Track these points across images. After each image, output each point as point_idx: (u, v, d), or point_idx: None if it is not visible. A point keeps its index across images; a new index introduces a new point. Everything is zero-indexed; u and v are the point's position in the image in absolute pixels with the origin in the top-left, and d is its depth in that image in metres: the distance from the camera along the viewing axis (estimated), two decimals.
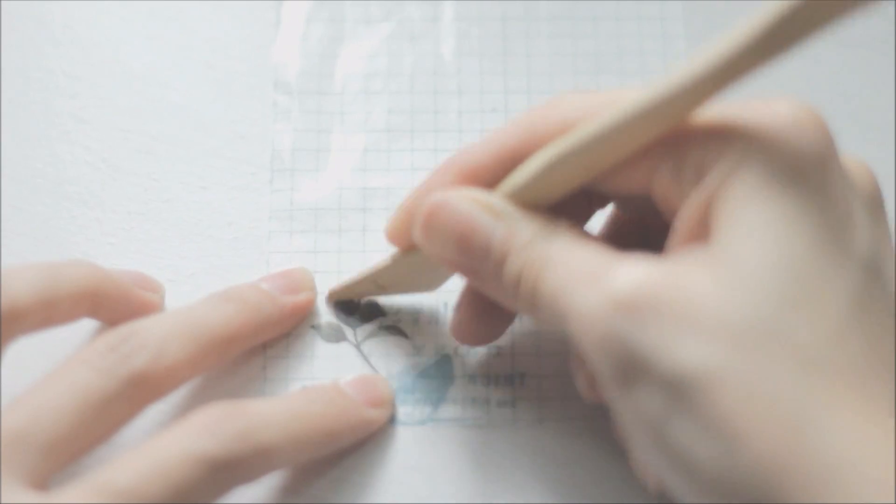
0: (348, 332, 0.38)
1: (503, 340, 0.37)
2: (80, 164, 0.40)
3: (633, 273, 0.27)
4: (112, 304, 0.35)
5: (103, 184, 0.40)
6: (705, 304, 0.26)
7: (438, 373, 0.37)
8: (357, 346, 0.37)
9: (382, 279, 0.36)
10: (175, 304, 0.37)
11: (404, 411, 0.36)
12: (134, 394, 0.31)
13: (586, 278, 0.27)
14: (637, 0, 0.44)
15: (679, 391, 0.25)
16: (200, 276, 0.38)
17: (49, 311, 0.32)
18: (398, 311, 0.38)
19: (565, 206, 0.31)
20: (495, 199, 0.31)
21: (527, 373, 0.37)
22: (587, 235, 0.29)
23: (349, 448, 0.35)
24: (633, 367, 0.26)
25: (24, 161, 0.40)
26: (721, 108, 0.28)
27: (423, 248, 0.32)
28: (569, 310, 0.28)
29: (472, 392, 0.36)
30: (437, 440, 0.36)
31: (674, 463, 0.26)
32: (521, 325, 0.37)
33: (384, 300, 0.38)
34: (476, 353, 0.37)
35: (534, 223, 0.30)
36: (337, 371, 0.37)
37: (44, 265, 0.33)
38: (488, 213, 0.30)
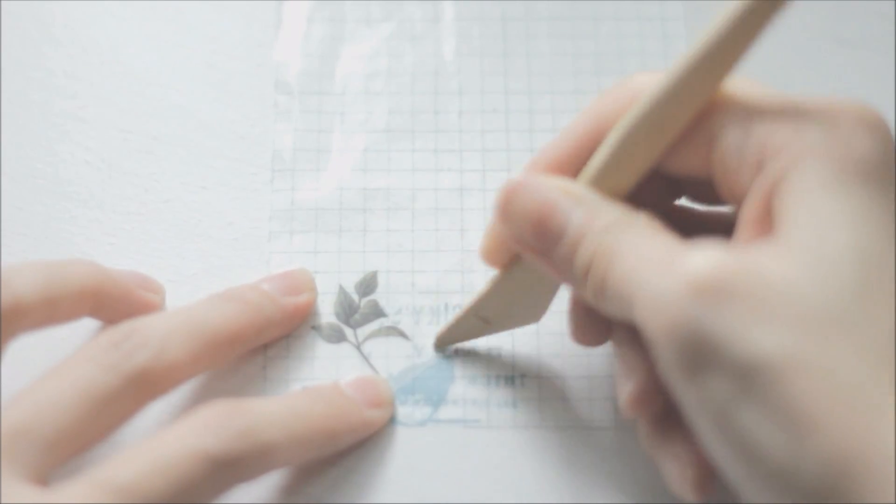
0: (349, 332, 0.38)
1: (503, 341, 0.37)
2: (80, 164, 0.40)
3: (709, 258, 0.26)
4: (113, 304, 0.35)
5: (103, 184, 0.40)
6: (781, 290, 0.26)
7: (439, 374, 0.37)
8: (357, 347, 0.37)
9: (485, 310, 0.35)
10: (175, 304, 0.37)
11: (404, 412, 0.36)
12: (136, 390, 0.31)
13: (659, 264, 0.27)
14: (637, 0, 0.44)
15: (752, 377, 0.25)
16: (201, 277, 0.38)
17: (51, 309, 0.32)
18: (399, 311, 0.38)
19: (642, 200, 0.31)
20: (577, 185, 0.31)
21: (527, 374, 0.37)
22: (664, 227, 0.29)
23: (349, 448, 0.35)
24: (705, 352, 0.26)
25: (24, 161, 0.40)
26: (786, 99, 0.29)
27: (499, 227, 0.32)
28: (638, 295, 0.27)
29: (473, 393, 0.36)
30: (436, 441, 0.36)
31: (740, 452, 0.26)
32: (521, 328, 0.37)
33: (385, 300, 0.38)
34: (476, 354, 0.37)
35: (614, 210, 0.30)
36: (337, 371, 0.37)
37: (46, 263, 0.33)
38: (568, 196, 0.30)
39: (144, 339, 0.32)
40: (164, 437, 0.30)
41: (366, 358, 0.37)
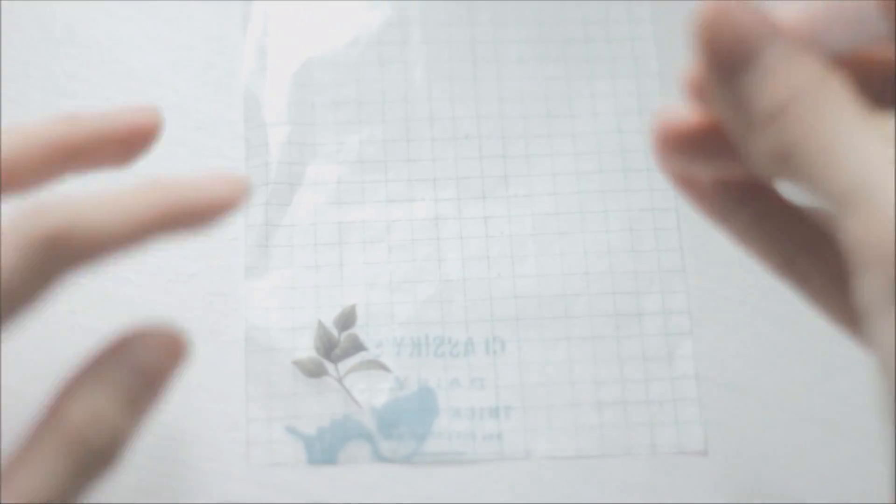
0: (330, 367, 0.37)
1: (486, 373, 0.37)
2: None
3: None
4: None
5: (103, 184, 0.40)
6: None
7: (422, 405, 0.36)
8: (339, 381, 0.37)
9: None
10: (174, 304, 0.37)
11: (389, 447, 0.36)
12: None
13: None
14: (607, 24, 0.43)
15: None
16: (201, 277, 0.38)
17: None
18: (380, 344, 0.37)
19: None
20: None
21: (512, 405, 0.37)
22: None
23: (333, 485, 0.35)
24: None
25: None
26: None
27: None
28: (863, 202, 0.22)
29: (458, 426, 0.36)
30: (423, 477, 0.36)
31: None
32: (503, 357, 0.37)
33: (364, 334, 0.37)
34: (459, 386, 0.37)
35: (819, 59, 0.24)
36: (320, 406, 0.36)
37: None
38: (769, 27, 0.24)
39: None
40: None
41: (348, 391, 0.36)
